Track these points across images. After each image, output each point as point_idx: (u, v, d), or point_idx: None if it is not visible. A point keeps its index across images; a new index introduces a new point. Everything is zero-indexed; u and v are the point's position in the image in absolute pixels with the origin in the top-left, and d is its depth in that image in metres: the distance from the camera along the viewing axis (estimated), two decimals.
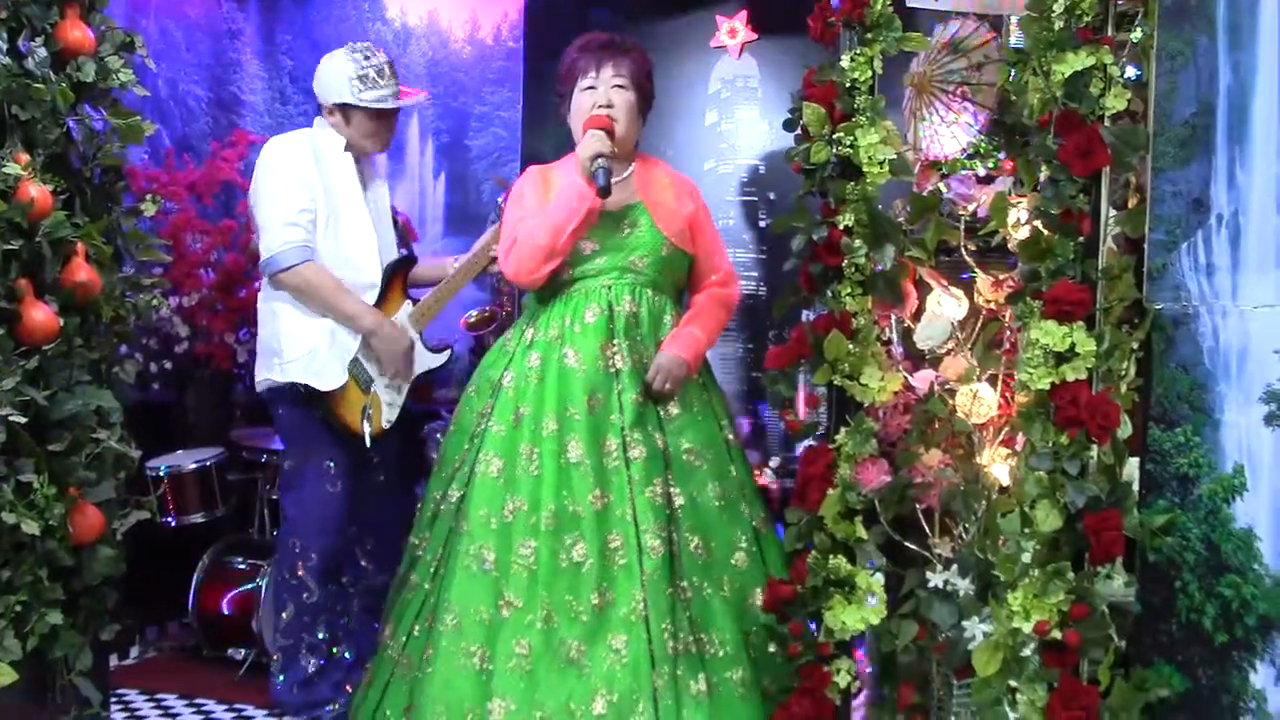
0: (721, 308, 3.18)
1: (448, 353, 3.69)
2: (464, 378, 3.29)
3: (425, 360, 3.62)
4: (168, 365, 4.72)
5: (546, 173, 3.14)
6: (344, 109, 3.48)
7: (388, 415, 3.51)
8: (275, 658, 3.54)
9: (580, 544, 2.85)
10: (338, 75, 3.47)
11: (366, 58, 3.48)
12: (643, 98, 3.10)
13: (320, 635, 3.48)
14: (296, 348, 3.40)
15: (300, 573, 3.45)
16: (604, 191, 2.91)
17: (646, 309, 3.05)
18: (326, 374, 3.40)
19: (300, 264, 3.36)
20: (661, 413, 3.00)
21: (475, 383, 3.17)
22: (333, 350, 3.41)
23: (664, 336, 3.05)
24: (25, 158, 2.55)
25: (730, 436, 3.10)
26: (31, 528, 2.47)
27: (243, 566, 4.22)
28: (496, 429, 3.00)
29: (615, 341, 2.99)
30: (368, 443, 3.46)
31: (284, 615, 3.50)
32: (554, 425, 2.92)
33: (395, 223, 3.69)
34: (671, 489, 2.93)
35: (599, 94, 3.04)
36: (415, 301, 3.60)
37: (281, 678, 3.48)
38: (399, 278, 3.58)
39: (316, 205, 3.40)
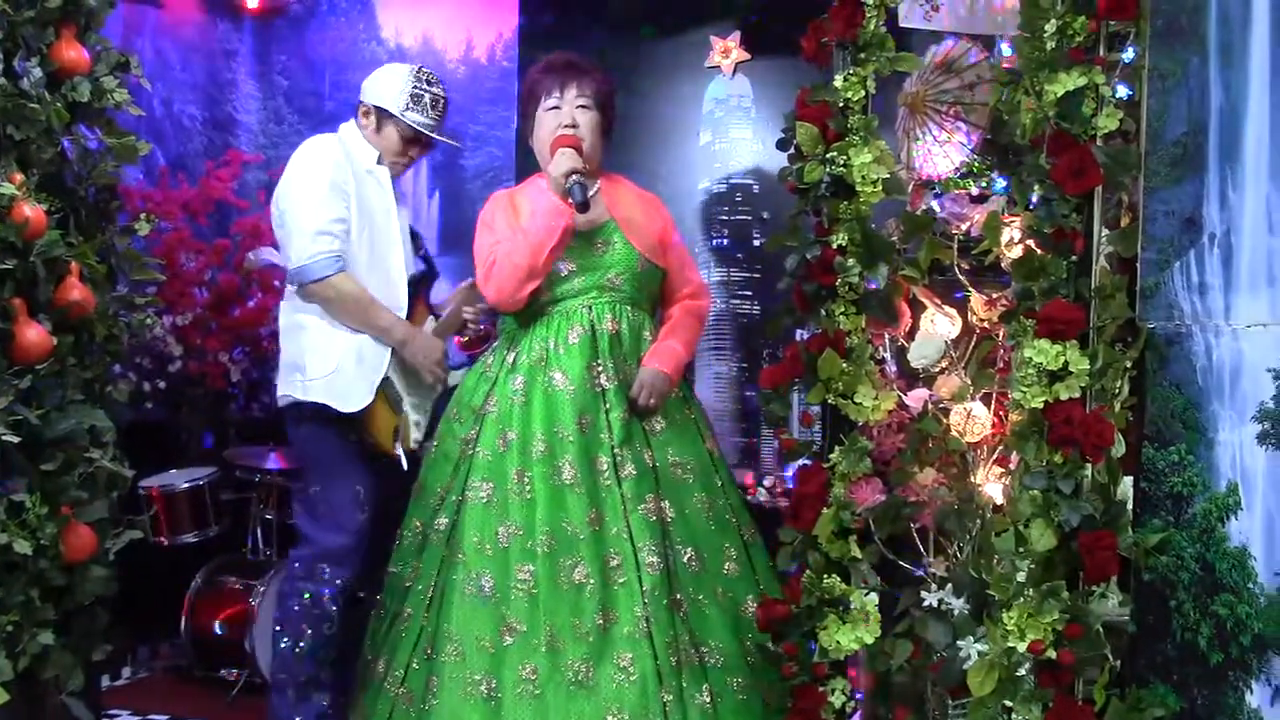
0: (696, 319, 3.21)
1: (464, 370, 3.62)
2: None
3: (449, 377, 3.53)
4: (161, 384, 4.72)
5: (513, 196, 3.12)
6: (381, 114, 3.33)
7: (415, 435, 3.35)
8: (288, 693, 3.24)
9: (580, 565, 2.84)
10: (393, 83, 3.33)
11: (429, 83, 3.35)
12: (606, 118, 3.09)
13: (331, 668, 3.25)
14: (321, 366, 3.21)
15: (324, 601, 3.22)
16: (582, 207, 2.92)
17: (627, 326, 3.06)
18: (351, 395, 3.20)
19: (333, 275, 3.17)
20: (647, 428, 3.01)
21: (455, 409, 3.13)
22: (359, 370, 3.22)
23: (644, 352, 3.06)
24: (20, 177, 2.54)
25: (711, 447, 3.12)
26: (24, 547, 2.46)
27: (236, 586, 4.20)
28: (483, 454, 2.98)
29: (600, 361, 2.99)
30: (404, 464, 3.28)
31: (300, 646, 3.23)
32: (544, 447, 2.92)
33: (415, 238, 3.55)
34: (662, 503, 2.94)
35: (563, 114, 3.03)
36: (438, 318, 3.46)
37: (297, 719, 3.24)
38: (421, 292, 3.45)
39: (350, 213, 3.23)
